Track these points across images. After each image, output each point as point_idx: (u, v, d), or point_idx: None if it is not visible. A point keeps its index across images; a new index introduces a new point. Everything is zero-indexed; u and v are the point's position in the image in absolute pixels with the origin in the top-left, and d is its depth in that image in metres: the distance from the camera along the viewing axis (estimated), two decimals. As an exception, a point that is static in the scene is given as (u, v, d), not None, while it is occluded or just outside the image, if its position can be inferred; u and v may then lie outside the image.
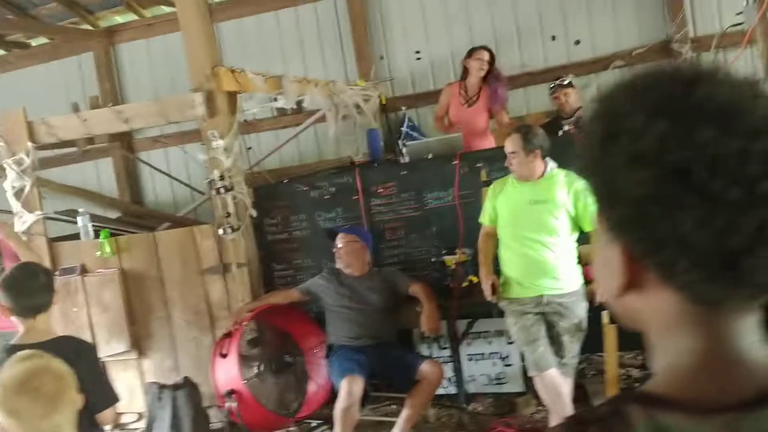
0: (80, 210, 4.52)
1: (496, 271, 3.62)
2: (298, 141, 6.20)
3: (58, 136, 4.40)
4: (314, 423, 4.25)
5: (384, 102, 6.19)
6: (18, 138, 4.38)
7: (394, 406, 4.08)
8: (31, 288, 2.42)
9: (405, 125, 6.05)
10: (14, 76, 7.03)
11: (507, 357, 4.19)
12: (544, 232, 3.40)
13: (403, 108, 6.24)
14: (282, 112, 6.00)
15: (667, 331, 0.67)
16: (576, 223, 3.43)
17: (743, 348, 0.65)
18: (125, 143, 6.71)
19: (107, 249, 4.35)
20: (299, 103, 5.14)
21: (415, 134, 5.90)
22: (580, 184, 3.44)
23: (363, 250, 4.09)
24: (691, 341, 0.66)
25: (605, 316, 3.40)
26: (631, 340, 3.50)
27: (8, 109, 4.60)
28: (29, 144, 4.36)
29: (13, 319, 2.43)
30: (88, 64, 6.98)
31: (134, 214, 6.22)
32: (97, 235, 4.46)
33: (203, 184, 6.44)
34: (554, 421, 3.41)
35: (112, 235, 4.50)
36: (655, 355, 0.69)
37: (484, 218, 3.64)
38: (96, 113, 4.52)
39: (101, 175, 6.99)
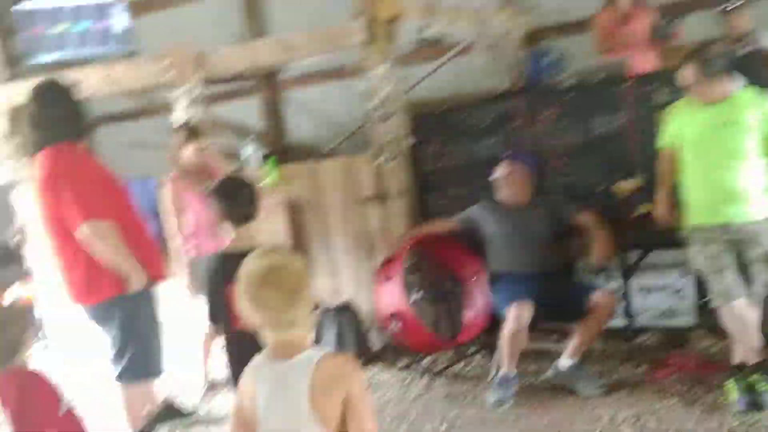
0: (248, 138, 4.70)
1: (676, 198, 3.44)
2: (443, 73, 6.10)
3: (225, 68, 4.55)
4: (471, 349, 4.27)
5: (528, 31, 5.96)
6: (187, 70, 4.57)
7: (557, 337, 4.01)
8: (240, 197, 2.54)
9: (551, 55, 5.81)
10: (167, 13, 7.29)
11: (680, 290, 4.00)
12: (733, 156, 3.20)
13: (550, 37, 5.98)
14: (428, 42, 5.92)
15: None
16: None
17: None
18: (271, 81, 6.86)
19: (273, 177, 4.51)
20: (446, 32, 5.06)
21: (562, 64, 5.66)
22: None
23: (527, 178, 4.00)
24: None
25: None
26: None
27: (176, 42, 4.78)
28: (197, 76, 4.55)
29: (222, 227, 2.56)
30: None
31: (281, 151, 6.42)
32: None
33: (346, 122, 6.56)
34: (738, 353, 3.24)
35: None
36: None
37: (665, 141, 3.45)
38: (261, 44, 4.62)
39: (247, 113, 7.22)
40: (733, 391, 3.20)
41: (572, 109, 4.18)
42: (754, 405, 3.11)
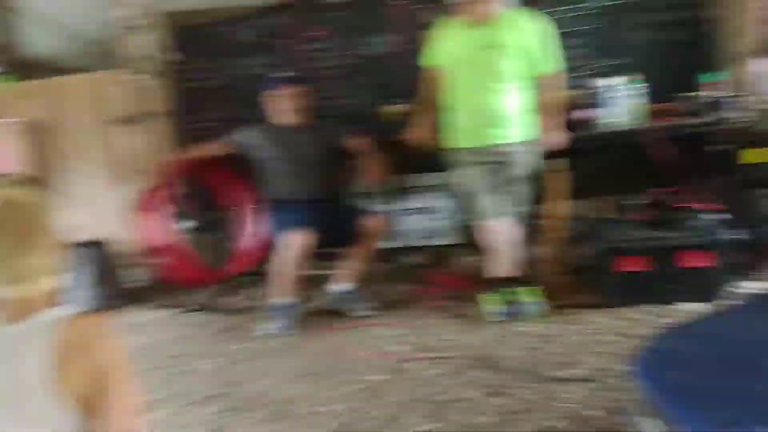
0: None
1: (438, 121, 3.48)
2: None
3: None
4: (247, 279, 4.11)
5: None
6: None
7: (335, 261, 4.00)
8: None
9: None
10: None
11: (444, 210, 4.19)
12: (498, 79, 3.28)
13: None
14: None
15: None
16: (531, 68, 3.33)
17: None
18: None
19: (8, 95, 3.81)
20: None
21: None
22: (539, 24, 3.32)
23: (298, 100, 3.81)
24: None
25: (556, 164, 3.41)
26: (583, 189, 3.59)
27: None
28: None
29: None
30: None
31: (16, 66, 5.50)
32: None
33: (90, 34, 5.78)
34: (493, 269, 3.46)
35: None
36: None
37: (428, 60, 3.44)
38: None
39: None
40: (490, 303, 3.43)
41: (344, 28, 4.05)
42: (511, 315, 3.37)
